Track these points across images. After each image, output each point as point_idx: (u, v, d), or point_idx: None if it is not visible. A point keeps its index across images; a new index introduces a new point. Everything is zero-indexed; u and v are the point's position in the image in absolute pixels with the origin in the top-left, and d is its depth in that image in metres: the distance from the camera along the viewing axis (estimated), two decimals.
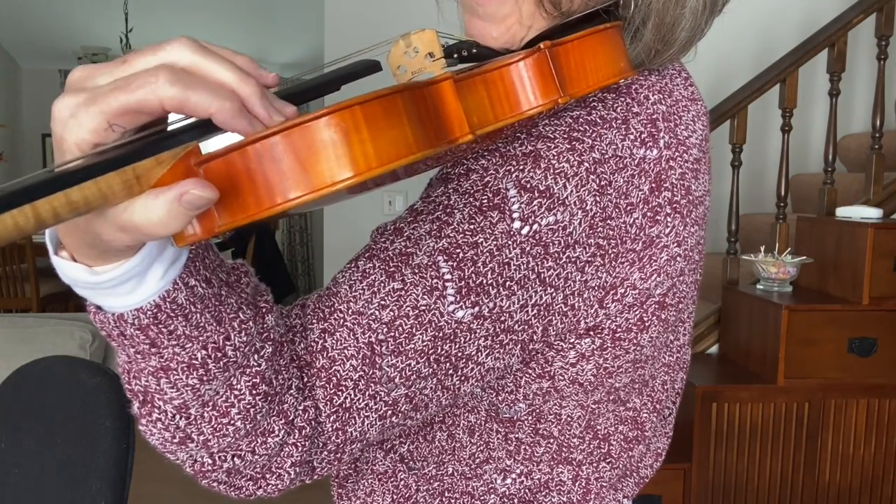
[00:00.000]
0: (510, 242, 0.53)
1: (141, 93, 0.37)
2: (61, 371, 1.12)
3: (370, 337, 0.53)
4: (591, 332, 0.58)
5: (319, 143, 0.38)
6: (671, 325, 0.64)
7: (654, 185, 0.57)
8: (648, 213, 0.57)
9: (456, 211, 0.55)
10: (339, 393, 0.53)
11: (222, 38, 5.24)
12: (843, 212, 2.64)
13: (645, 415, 0.68)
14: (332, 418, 0.54)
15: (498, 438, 0.64)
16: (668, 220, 0.58)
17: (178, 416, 0.49)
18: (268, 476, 0.54)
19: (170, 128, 0.41)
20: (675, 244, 0.59)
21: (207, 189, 0.37)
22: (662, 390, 0.69)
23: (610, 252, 0.56)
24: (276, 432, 0.52)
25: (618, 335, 0.59)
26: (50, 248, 0.45)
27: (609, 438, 0.66)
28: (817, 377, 2.42)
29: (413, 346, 0.53)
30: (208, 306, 0.48)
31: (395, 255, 0.54)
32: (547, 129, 0.56)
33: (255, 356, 0.50)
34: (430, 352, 0.53)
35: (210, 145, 0.39)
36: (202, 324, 0.47)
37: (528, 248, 0.53)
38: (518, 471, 0.65)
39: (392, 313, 0.53)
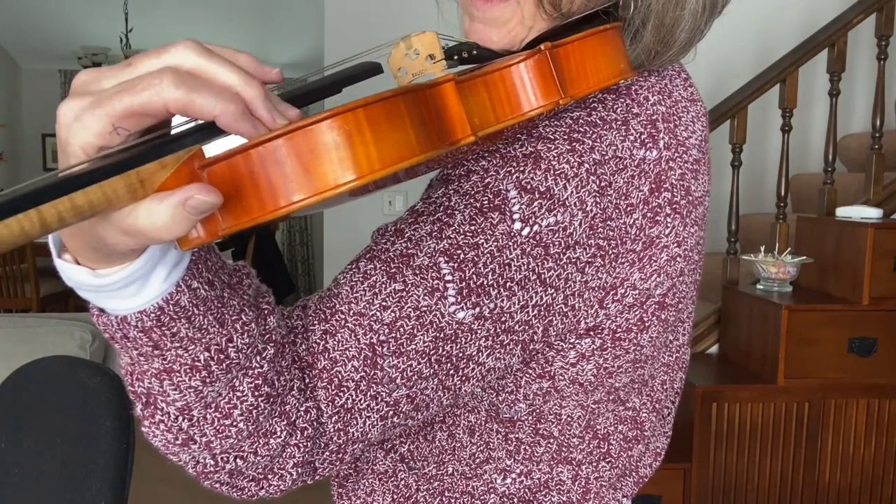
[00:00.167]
0: (511, 243, 0.53)
1: (145, 95, 0.37)
2: (61, 371, 1.12)
3: (371, 338, 0.53)
4: (592, 333, 0.58)
5: (322, 146, 0.38)
6: (671, 325, 0.64)
7: (653, 185, 0.57)
8: (648, 214, 0.57)
9: (457, 212, 0.55)
10: (341, 394, 0.53)
11: (222, 38, 5.24)
12: (843, 212, 2.64)
13: (644, 414, 0.68)
14: (333, 419, 0.54)
15: (498, 438, 0.64)
16: (668, 220, 0.58)
17: (180, 418, 0.49)
18: (270, 477, 0.54)
19: (173, 132, 0.41)
20: (675, 244, 0.59)
21: (212, 194, 0.37)
22: (662, 390, 0.69)
23: (610, 252, 0.56)
24: (279, 433, 0.52)
25: (618, 335, 0.59)
26: (53, 251, 0.45)
27: (609, 438, 0.66)
28: (817, 377, 2.42)
29: (414, 346, 0.53)
30: (211, 308, 0.48)
31: (397, 256, 0.55)
32: (547, 130, 0.56)
33: (258, 358, 0.50)
34: (432, 352, 0.53)
35: (213, 149, 0.39)
36: (205, 326, 0.47)
37: (528, 249, 0.53)
38: (518, 470, 0.65)
39: (393, 314, 0.53)
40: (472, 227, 0.54)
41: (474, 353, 0.55)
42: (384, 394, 0.54)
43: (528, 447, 0.64)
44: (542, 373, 0.60)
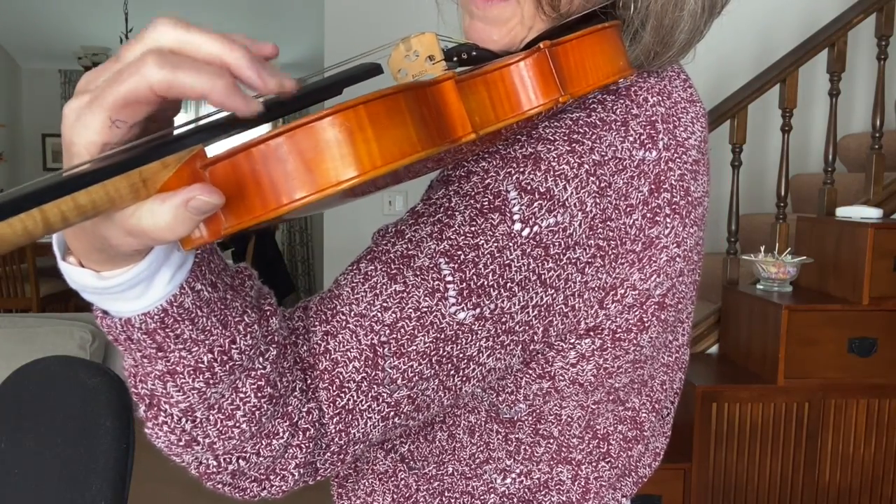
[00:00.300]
0: (511, 244, 0.53)
1: (131, 82, 0.37)
2: (61, 371, 1.12)
3: (372, 339, 0.53)
4: (592, 333, 0.58)
5: (324, 143, 0.38)
6: (670, 326, 0.64)
7: (653, 186, 0.57)
8: (648, 215, 0.57)
9: (457, 213, 0.55)
10: (342, 395, 0.54)
11: None
12: (843, 212, 2.64)
13: (644, 414, 0.68)
14: (335, 420, 0.54)
15: (498, 439, 0.64)
16: (668, 220, 0.58)
17: (184, 419, 0.49)
18: (272, 477, 0.54)
19: (176, 131, 0.41)
20: (675, 245, 0.59)
21: (214, 194, 0.37)
22: (661, 390, 0.69)
23: (610, 253, 0.56)
24: (281, 434, 0.52)
25: (618, 336, 0.59)
26: (57, 253, 0.46)
27: (608, 438, 0.66)
28: (817, 377, 2.42)
29: (415, 347, 0.53)
30: (214, 310, 0.48)
31: (397, 257, 0.55)
32: (547, 131, 0.56)
33: (260, 359, 0.50)
34: (432, 353, 0.54)
35: (216, 149, 0.39)
36: (208, 327, 0.47)
37: (528, 250, 0.54)
38: (518, 470, 0.65)
39: (394, 315, 0.53)
40: (473, 228, 0.54)
41: (475, 353, 0.55)
42: (385, 394, 0.54)
43: (527, 447, 0.64)
44: (543, 373, 0.60)
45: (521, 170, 0.54)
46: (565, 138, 0.55)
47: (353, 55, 0.52)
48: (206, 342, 0.47)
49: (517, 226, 0.53)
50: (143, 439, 0.55)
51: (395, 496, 0.68)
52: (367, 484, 0.69)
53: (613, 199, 0.56)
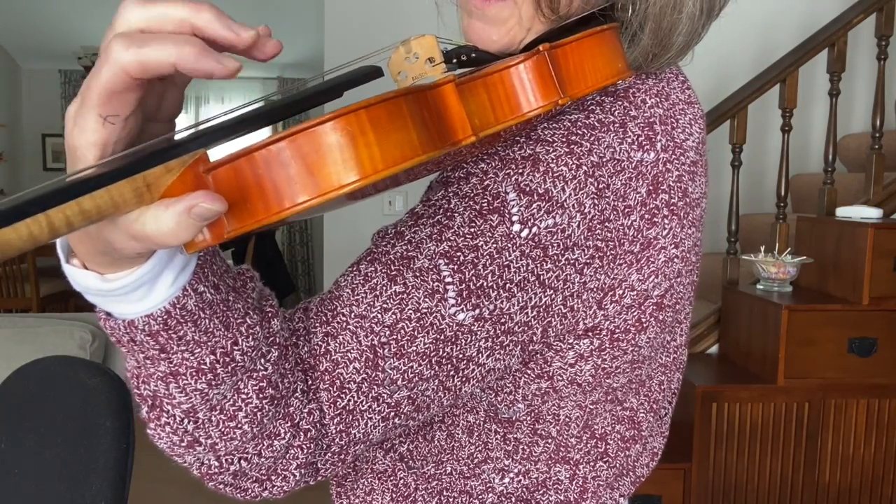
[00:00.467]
0: (510, 245, 0.54)
1: (104, 72, 0.37)
2: (61, 371, 1.12)
3: (373, 340, 0.53)
4: (590, 333, 0.59)
5: (326, 147, 0.38)
6: (668, 326, 0.64)
7: (651, 187, 0.58)
8: (646, 216, 0.57)
9: (456, 214, 0.55)
10: (343, 395, 0.54)
11: None
12: (843, 212, 2.65)
13: (642, 415, 0.68)
14: (335, 420, 0.54)
15: (496, 438, 0.64)
16: (666, 222, 0.58)
17: (186, 421, 0.49)
18: (273, 478, 0.54)
19: (178, 136, 0.41)
20: (673, 246, 0.59)
21: (216, 202, 0.38)
22: (659, 390, 0.69)
23: (608, 254, 0.56)
24: (282, 435, 0.52)
25: (616, 336, 0.59)
26: (62, 256, 0.46)
27: (606, 438, 0.66)
28: (817, 377, 2.42)
29: (415, 348, 0.53)
30: (216, 312, 0.48)
31: (397, 258, 0.55)
32: (546, 132, 0.56)
33: (262, 360, 0.51)
34: (432, 354, 0.54)
35: (218, 153, 0.40)
36: (211, 329, 0.48)
37: (527, 251, 0.54)
38: (516, 470, 0.65)
39: (394, 316, 0.53)
40: (472, 230, 0.54)
41: (474, 354, 0.55)
42: (385, 395, 0.54)
43: (526, 447, 0.64)
44: (541, 373, 0.60)
45: (520, 171, 0.55)
46: (564, 140, 0.55)
47: (352, 55, 0.52)
48: (209, 344, 0.48)
49: (516, 227, 0.54)
50: (143, 439, 0.55)
51: (393, 495, 0.68)
52: (366, 483, 0.70)
53: (611, 201, 0.56)
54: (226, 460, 0.52)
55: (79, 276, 0.45)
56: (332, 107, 0.40)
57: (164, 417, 0.50)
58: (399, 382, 0.54)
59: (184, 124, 0.43)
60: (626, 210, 0.56)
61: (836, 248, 2.56)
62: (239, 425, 0.50)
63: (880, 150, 2.69)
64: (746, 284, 2.75)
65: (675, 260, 0.60)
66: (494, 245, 0.54)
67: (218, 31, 0.39)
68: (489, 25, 0.60)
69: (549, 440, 0.64)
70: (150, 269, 0.44)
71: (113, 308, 0.46)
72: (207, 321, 0.47)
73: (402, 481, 0.68)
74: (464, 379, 0.56)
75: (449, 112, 0.45)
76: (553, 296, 0.55)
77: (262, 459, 0.53)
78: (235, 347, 0.49)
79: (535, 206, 0.54)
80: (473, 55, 0.59)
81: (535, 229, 0.54)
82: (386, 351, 0.53)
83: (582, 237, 0.55)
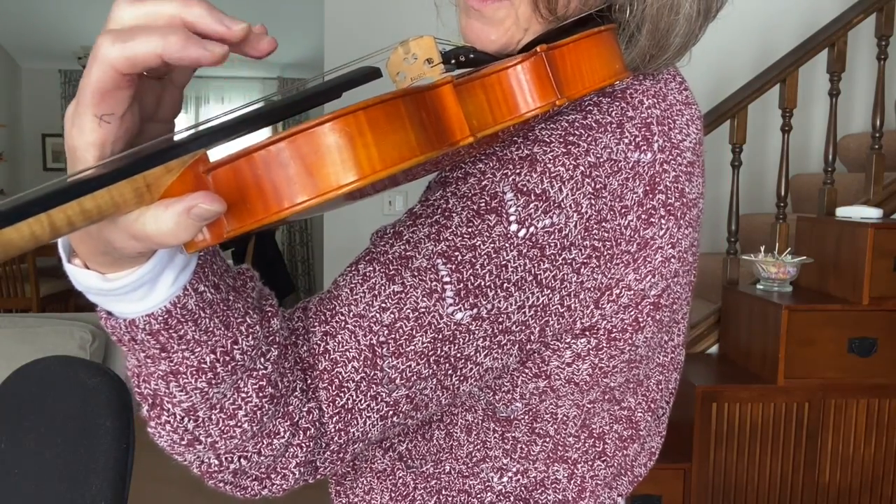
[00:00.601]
0: (507, 245, 0.54)
1: (94, 71, 0.37)
2: (61, 371, 1.12)
3: (371, 339, 0.54)
4: (587, 333, 0.59)
5: (325, 148, 0.38)
6: (665, 326, 0.64)
7: (648, 187, 0.58)
8: (643, 216, 0.58)
9: (454, 214, 0.55)
10: (342, 394, 0.54)
11: None
12: (843, 212, 2.65)
13: (639, 414, 0.68)
14: (334, 419, 0.54)
15: (495, 437, 0.64)
16: (663, 222, 0.59)
17: (186, 419, 0.50)
18: (273, 476, 0.55)
19: (178, 136, 0.41)
20: (670, 245, 0.60)
21: (216, 202, 0.38)
22: (657, 390, 0.70)
23: (605, 254, 0.56)
24: (282, 434, 0.53)
25: (613, 335, 0.59)
26: (63, 256, 0.46)
27: (604, 437, 0.67)
28: (817, 377, 2.42)
29: (413, 347, 0.54)
30: (217, 311, 0.48)
31: (395, 258, 0.55)
32: (543, 133, 0.56)
33: (262, 359, 0.51)
34: (430, 353, 0.54)
35: (218, 153, 0.40)
36: (211, 328, 0.48)
37: (524, 251, 0.54)
38: (514, 469, 0.65)
39: (392, 316, 0.53)
40: (470, 229, 0.54)
41: (472, 353, 0.55)
42: (384, 394, 0.54)
43: (524, 446, 0.65)
44: (539, 372, 0.60)
45: (518, 171, 0.55)
46: (561, 140, 0.56)
47: (352, 55, 0.52)
48: (209, 343, 0.48)
49: (513, 227, 0.54)
50: (143, 439, 0.56)
51: (392, 494, 0.68)
52: (365, 482, 0.70)
53: (608, 201, 0.56)
54: (226, 458, 0.52)
55: (80, 276, 0.45)
56: (332, 107, 0.40)
57: (165, 416, 0.50)
58: (397, 381, 0.54)
59: (184, 124, 0.43)
60: (623, 210, 0.57)
61: (836, 248, 2.56)
62: (239, 424, 0.51)
63: (880, 150, 2.70)
64: (746, 284, 2.75)
65: (672, 260, 0.60)
66: (492, 245, 0.54)
67: (209, 25, 0.39)
68: (487, 25, 0.61)
69: (547, 439, 0.65)
70: (150, 268, 0.44)
71: (114, 307, 0.47)
72: (208, 320, 0.48)
73: (400, 480, 0.68)
74: (462, 378, 0.56)
75: (447, 113, 0.45)
76: (550, 295, 0.56)
77: (262, 458, 0.53)
78: (235, 346, 0.49)
79: (532, 206, 0.54)
80: (472, 56, 0.59)
81: (532, 229, 0.54)
82: (384, 350, 0.53)
83: (579, 237, 0.55)
